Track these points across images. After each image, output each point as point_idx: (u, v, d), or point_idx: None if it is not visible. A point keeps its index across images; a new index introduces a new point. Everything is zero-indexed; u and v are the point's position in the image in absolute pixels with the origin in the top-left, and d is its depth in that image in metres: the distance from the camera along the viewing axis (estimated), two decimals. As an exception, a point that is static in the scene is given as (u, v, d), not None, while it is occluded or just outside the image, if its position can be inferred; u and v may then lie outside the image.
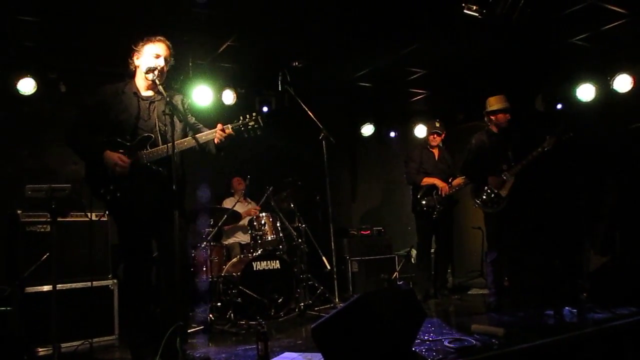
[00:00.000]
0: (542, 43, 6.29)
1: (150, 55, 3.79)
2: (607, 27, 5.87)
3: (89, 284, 4.89)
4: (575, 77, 6.94)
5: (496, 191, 5.36)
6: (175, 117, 3.53)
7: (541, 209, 6.40)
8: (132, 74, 3.90)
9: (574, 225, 6.54)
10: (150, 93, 3.88)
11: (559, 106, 7.24)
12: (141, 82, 3.87)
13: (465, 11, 4.82)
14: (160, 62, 3.78)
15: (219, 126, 3.74)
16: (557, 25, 5.80)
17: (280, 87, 6.49)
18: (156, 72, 3.70)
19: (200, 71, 6.54)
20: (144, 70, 3.76)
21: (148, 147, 3.74)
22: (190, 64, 6.33)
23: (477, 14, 4.85)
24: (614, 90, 6.58)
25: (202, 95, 6.57)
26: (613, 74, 6.55)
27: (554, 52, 6.57)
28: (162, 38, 3.84)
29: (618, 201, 6.47)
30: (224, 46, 6.05)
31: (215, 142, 3.76)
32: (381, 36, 6.00)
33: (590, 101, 6.87)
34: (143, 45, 3.82)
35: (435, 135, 6.69)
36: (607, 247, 6.06)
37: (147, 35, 3.84)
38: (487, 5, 4.81)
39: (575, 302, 5.08)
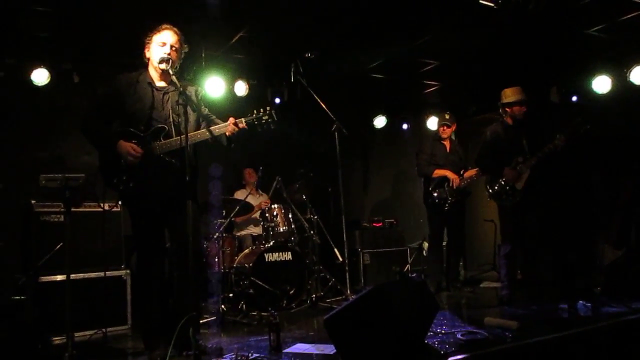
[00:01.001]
0: (558, 34, 6.21)
1: (157, 45, 3.79)
2: (624, 18, 5.78)
3: (102, 274, 4.91)
4: (591, 69, 6.85)
5: (511, 183, 5.32)
6: (189, 107, 3.52)
7: (556, 202, 6.34)
8: (146, 65, 3.92)
9: (588, 218, 6.49)
10: (163, 84, 3.88)
11: (574, 98, 7.17)
12: (154, 73, 3.88)
13: (481, 1, 4.77)
14: (167, 50, 3.76)
15: (231, 120, 3.74)
16: (573, 16, 5.73)
17: (292, 79, 6.49)
18: (170, 62, 3.69)
19: (213, 62, 6.53)
20: (157, 61, 3.76)
21: (161, 139, 3.74)
22: (203, 55, 6.32)
23: (492, 4, 4.80)
24: (631, 82, 6.48)
25: (214, 86, 6.56)
26: (630, 65, 6.46)
27: (569, 43, 6.49)
28: (168, 26, 3.83)
29: (633, 194, 6.40)
30: (237, 37, 6.04)
31: (227, 134, 3.76)
32: (394, 27, 5.96)
33: (606, 93, 6.78)
34: (152, 36, 3.83)
35: (444, 127, 6.64)
36: (622, 240, 6.01)
37: (156, 25, 3.84)
38: (502, -5, 4.76)
39: (589, 295, 5.04)
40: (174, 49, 3.80)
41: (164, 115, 3.81)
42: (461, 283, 6.72)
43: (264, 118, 3.75)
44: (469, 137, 7.85)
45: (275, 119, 3.77)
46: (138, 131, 3.73)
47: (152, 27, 3.84)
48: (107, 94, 3.88)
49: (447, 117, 6.65)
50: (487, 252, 7.97)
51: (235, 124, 3.72)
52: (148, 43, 3.84)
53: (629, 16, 5.73)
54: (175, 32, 3.84)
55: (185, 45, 3.90)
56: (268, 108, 3.77)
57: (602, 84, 6.78)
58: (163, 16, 3.95)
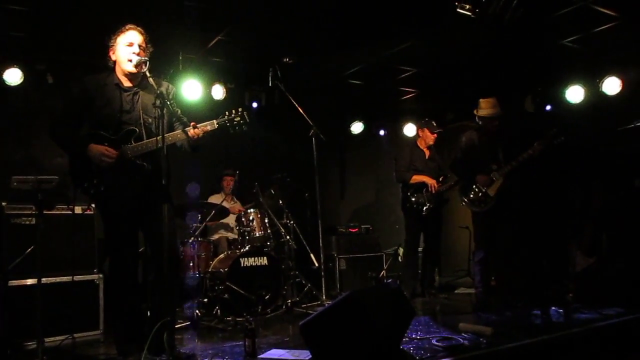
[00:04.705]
0: (533, 44, 6.31)
1: (124, 45, 3.74)
2: (597, 29, 5.90)
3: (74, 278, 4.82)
4: (564, 79, 6.98)
5: (484, 190, 5.38)
6: (165, 109, 3.48)
7: (529, 210, 6.42)
8: (113, 68, 3.85)
9: (561, 225, 6.58)
10: (131, 84, 3.82)
11: (548, 107, 7.28)
12: (122, 75, 3.82)
13: (459, 10, 4.81)
14: (135, 49, 3.72)
15: (192, 124, 3.67)
16: (549, 27, 5.82)
17: (270, 83, 6.46)
18: (146, 64, 3.64)
19: (190, 65, 6.49)
20: (133, 64, 3.68)
21: (132, 141, 3.69)
22: (181, 58, 6.28)
23: (469, 14, 4.84)
24: (603, 92, 6.64)
25: (191, 89, 6.52)
26: (602, 76, 6.61)
27: (544, 53, 6.60)
28: (132, 26, 3.79)
29: (605, 202, 6.51)
30: (215, 40, 6.00)
31: (190, 134, 3.66)
32: (372, 34, 5.99)
33: (579, 103, 6.92)
34: (115, 38, 3.78)
35: (436, 134, 6.66)
36: (593, 248, 6.09)
37: (119, 26, 3.80)
38: (480, 5, 4.80)
39: (561, 302, 5.11)
40: (142, 48, 3.75)
41: (134, 117, 3.76)
42: (436, 289, 6.75)
43: (235, 119, 3.72)
44: (445, 145, 7.91)
45: (247, 120, 3.74)
46: (108, 134, 3.68)
47: (116, 29, 3.79)
48: (76, 97, 3.81)
49: (434, 124, 6.68)
50: (462, 259, 8.03)
51: (195, 127, 3.65)
52: (112, 45, 3.79)
53: (601, 28, 5.85)
54: (140, 32, 3.80)
55: (150, 45, 3.85)
56: (240, 109, 3.74)
57: (575, 94, 6.91)
58: (140, 18, 3.91)
